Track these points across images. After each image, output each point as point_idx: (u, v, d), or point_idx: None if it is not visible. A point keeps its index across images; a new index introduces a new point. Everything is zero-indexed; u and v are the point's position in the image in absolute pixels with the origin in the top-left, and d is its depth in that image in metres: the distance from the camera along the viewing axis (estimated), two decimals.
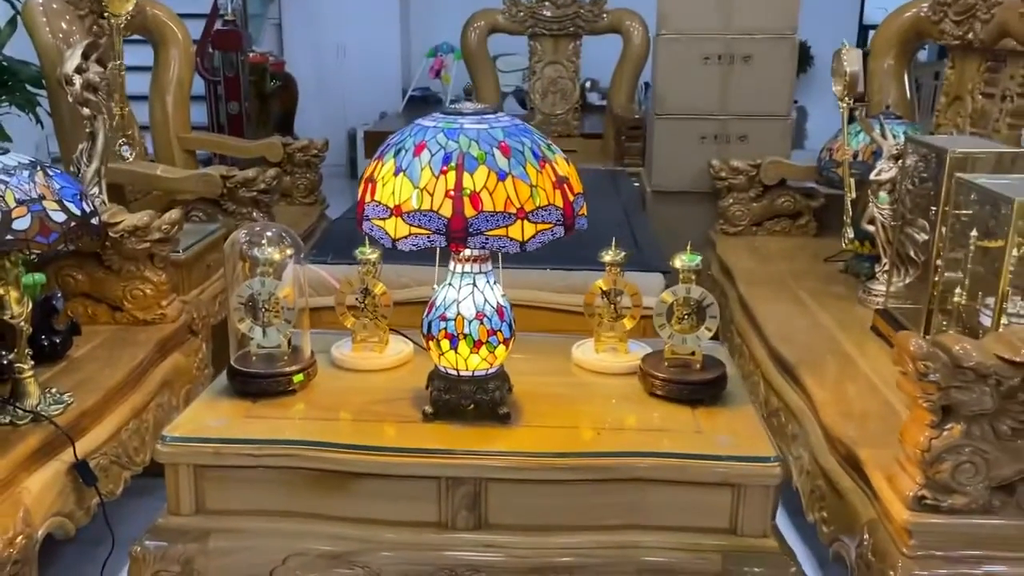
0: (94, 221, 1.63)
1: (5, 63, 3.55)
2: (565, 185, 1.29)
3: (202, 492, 1.41)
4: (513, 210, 1.23)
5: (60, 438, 1.64)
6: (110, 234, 2.06)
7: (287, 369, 1.53)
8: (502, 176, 1.24)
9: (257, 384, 1.51)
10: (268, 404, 1.50)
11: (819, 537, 1.68)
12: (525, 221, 1.24)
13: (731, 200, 3.08)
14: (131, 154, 2.65)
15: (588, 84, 6.13)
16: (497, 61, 4.50)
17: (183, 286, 2.37)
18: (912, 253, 2.18)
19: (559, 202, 1.28)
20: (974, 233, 1.70)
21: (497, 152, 1.25)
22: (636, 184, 3.56)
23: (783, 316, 2.29)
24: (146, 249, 2.12)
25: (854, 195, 2.44)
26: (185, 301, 2.31)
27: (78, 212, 1.57)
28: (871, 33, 7.37)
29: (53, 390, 1.73)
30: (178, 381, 2.13)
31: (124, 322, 2.14)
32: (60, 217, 1.53)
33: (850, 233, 2.46)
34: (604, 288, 1.65)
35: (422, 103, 6.59)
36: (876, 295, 2.31)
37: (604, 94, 5.87)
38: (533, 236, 1.26)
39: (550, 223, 1.27)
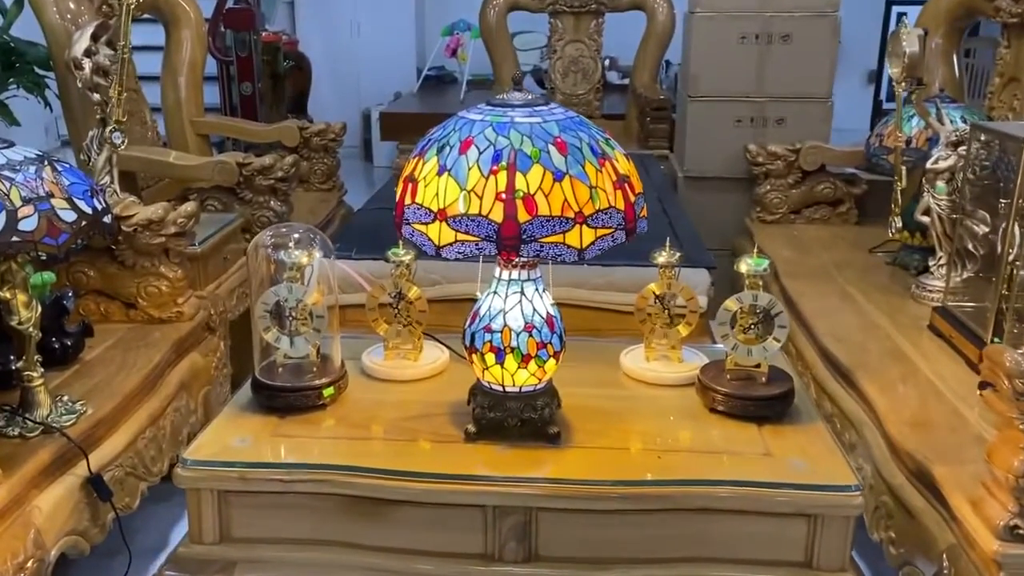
0: (106, 219, 1.52)
1: (12, 44, 3.43)
2: (626, 185, 1.17)
3: (227, 519, 1.30)
4: (571, 214, 1.11)
5: (73, 450, 1.54)
6: (123, 228, 1.95)
7: (316, 382, 1.42)
8: (559, 176, 1.11)
9: (284, 399, 1.40)
10: (296, 420, 1.39)
11: (886, 559, 1.56)
12: (584, 226, 1.12)
13: (768, 187, 2.94)
14: (122, 141, 2.53)
15: (607, 62, 5.95)
16: (514, 39, 4.34)
17: (199, 281, 2.26)
18: (971, 247, 2.04)
19: (620, 204, 1.15)
20: None
21: (553, 149, 1.12)
22: (662, 168, 3.42)
23: (832, 313, 2.17)
24: (161, 244, 2.01)
25: (904, 184, 2.31)
26: (202, 296, 2.20)
27: (89, 210, 1.45)
28: (894, 9, 7.22)
29: (65, 398, 1.62)
30: (196, 383, 2.02)
31: (139, 320, 2.04)
32: (70, 216, 1.41)
33: (898, 223, 2.32)
34: (658, 292, 1.52)
35: (438, 83, 6.44)
36: (931, 291, 2.18)
37: (624, 73, 5.71)
38: (592, 243, 1.13)
39: (611, 228, 1.14)
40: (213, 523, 1.30)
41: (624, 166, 1.18)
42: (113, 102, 2.28)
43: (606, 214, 1.13)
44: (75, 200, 1.43)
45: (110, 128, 2.53)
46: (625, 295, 1.96)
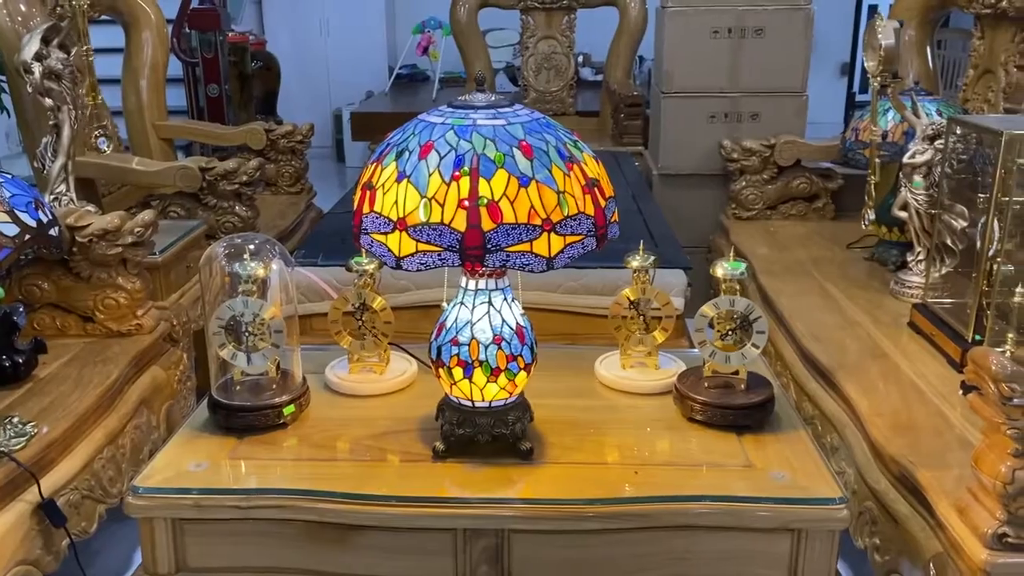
0: (52, 232, 1.45)
1: None
2: (596, 189, 1.11)
3: (182, 549, 1.23)
4: (538, 221, 1.05)
5: (23, 475, 1.46)
6: (77, 239, 1.87)
7: (276, 400, 1.35)
8: (524, 182, 1.05)
9: (242, 419, 1.33)
10: (255, 441, 1.32)
11: (871, 566, 1.52)
12: (552, 234, 1.06)
13: (744, 183, 2.90)
14: (108, 146, 2.44)
15: (581, 59, 5.91)
16: (486, 36, 4.29)
17: (160, 291, 2.18)
18: (949, 242, 2.01)
19: (590, 210, 1.09)
20: None
21: (518, 153, 1.06)
22: (637, 165, 3.38)
23: (811, 311, 2.13)
24: (118, 254, 1.93)
25: (878, 178, 2.27)
26: (163, 308, 2.13)
27: (33, 223, 1.38)
28: (865, 3, 7.23)
29: (15, 419, 1.54)
30: (157, 398, 1.95)
31: (96, 334, 1.96)
32: (11, 230, 1.34)
33: (871, 215, 2.29)
34: (632, 298, 1.47)
35: (410, 81, 6.37)
36: (910, 287, 2.15)
37: (598, 69, 5.67)
38: (561, 251, 1.08)
39: (580, 234, 1.09)
40: (168, 553, 1.23)
41: (593, 169, 1.13)
42: (87, 107, 2.21)
43: (575, 220, 1.08)
44: (17, 213, 1.36)
45: (96, 133, 2.45)
46: (599, 298, 1.91)
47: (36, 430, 1.54)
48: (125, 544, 1.95)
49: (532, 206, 1.05)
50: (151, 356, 1.98)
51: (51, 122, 2.15)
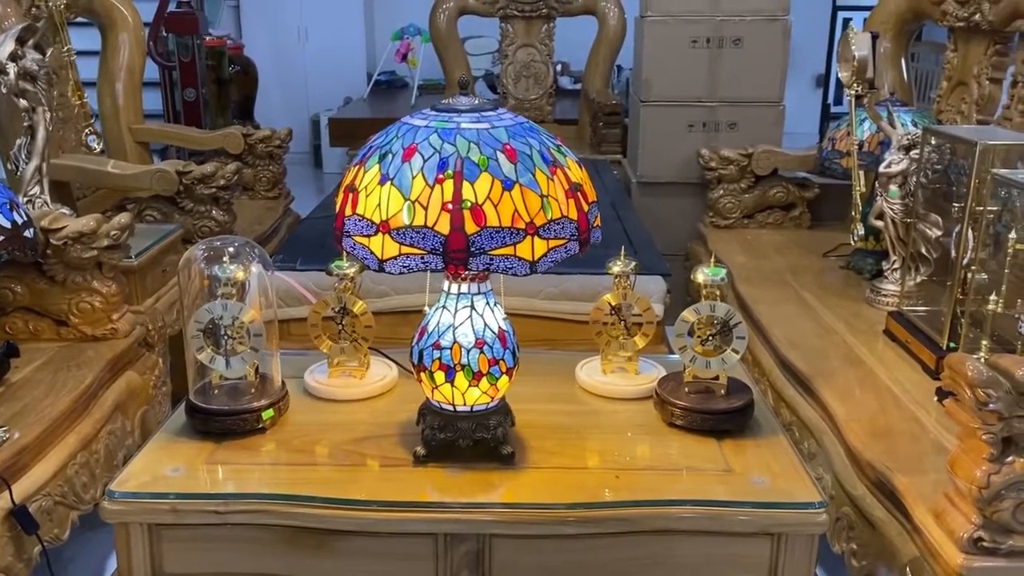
0: (27, 233, 1.43)
1: None
2: (579, 193, 1.11)
3: (158, 555, 1.21)
4: (522, 225, 1.05)
5: None
6: (52, 242, 1.85)
7: (255, 404, 1.34)
8: (508, 185, 1.05)
9: (220, 423, 1.32)
10: (233, 445, 1.31)
11: (849, 571, 1.53)
12: (536, 237, 1.06)
13: (721, 191, 2.92)
14: (98, 144, 2.39)
15: (559, 68, 5.94)
16: (465, 44, 4.29)
17: (136, 295, 2.16)
18: (924, 250, 2.03)
19: (573, 214, 1.09)
20: (1013, 235, 1.55)
21: (501, 156, 1.06)
22: (615, 173, 3.39)
23: (789, 319, 2.14)
24: (93, 257, 1.91)
25: (863, 188, 2.29)
26: (139, 312, 2.10)
27: (7, 224, 1.36)
28: (840, 15, 7.33)
29: None
30: (132, 403, 1.92)
31: (71, 338, 1.93)
32: None
33: (860, 230, 2.30)
34: (613, 303, 1.47)
35: (388, 88, 6.36)
36: (886, 295, 2.17)
37: (576, 78, 5.70)
38: (545, 255, 1.08)
39: (564, 238, 1.09)
40: (143, 559, 1.21)
41: (576, 174, 1.13)
42: (74, 106, 2.18)
43: (559, 224, 1.08)
44: None
45: (86, 131, 2.41)
46: (580, 304, 1.92)
47: (8, 435, 1.51)
48: (98, 551, 1.93)
49: (516, 210, 1.05)
50: (126, 361, 1.96)
51: (25, 123, 2.12)
